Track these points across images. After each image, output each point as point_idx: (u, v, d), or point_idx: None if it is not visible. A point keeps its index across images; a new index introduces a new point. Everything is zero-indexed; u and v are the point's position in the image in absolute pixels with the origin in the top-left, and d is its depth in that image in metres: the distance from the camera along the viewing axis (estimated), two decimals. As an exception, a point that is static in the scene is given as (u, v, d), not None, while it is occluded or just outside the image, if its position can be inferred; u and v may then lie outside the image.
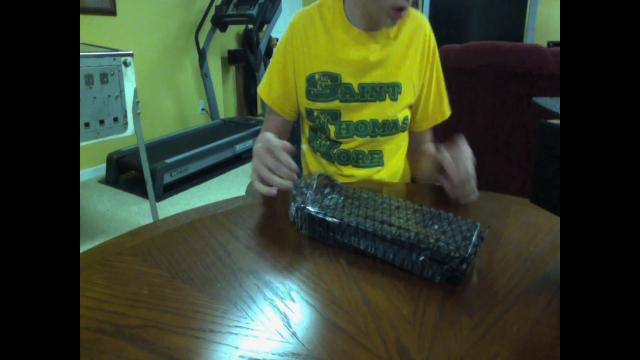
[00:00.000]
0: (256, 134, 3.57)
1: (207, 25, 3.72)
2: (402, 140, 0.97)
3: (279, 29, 4.88)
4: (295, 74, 0.92)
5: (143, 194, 2.66)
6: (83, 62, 1.73)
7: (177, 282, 0.49)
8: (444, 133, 1.01)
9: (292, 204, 0.61)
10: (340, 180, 0.94)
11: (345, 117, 0.91)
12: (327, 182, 0.66)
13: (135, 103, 1.92)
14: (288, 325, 0.42)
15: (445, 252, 0.49)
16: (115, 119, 1.87)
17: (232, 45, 4.40)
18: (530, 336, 0.41)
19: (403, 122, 0.93)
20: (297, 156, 0.84)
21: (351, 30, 0.88)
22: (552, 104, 0.63)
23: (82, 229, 2.31)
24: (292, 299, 0.46)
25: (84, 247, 2.07)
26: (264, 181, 0.67)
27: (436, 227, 0.55)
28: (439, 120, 0.98)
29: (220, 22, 3.64)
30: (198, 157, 3.00)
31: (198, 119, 4.03)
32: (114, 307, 0.45)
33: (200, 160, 3.03)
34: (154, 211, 2.13)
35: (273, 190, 0.66)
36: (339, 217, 0.57)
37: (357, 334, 0.41)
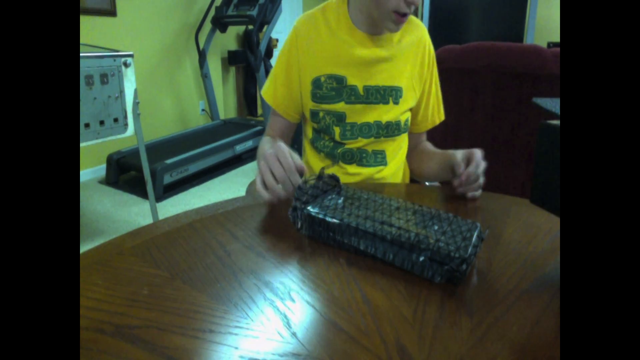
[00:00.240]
0: (256, 134, 3.59)
1: (207, 25, 3.72)
2: (402, 141, 1.00)
3: (279, 30, 4.89)
4: (301, 77, 0.93)
5: (143, 194, 2.66)
6: (83, 63, 1.73)
7: (177, 283, 0.49)
8: (444, 133, 1.02)
9: (292, 204, 0.61)
10: (344, 178, 0.95)
11: (350, 119, 0.92)
12: (328, 182, 0.66)
13: (135, 104, 1.92)
14: (288, 325, 0.42)
15: (445, 252, 0.49)
16: (116, 120, 1.87)
17: (232, 45, 4.41)
18: (530, 336, 0.41)
19: (405, 124, 0.97)
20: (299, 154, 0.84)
21: (356, 33, 0.90)
22: (552, 104, 0.63)
23: (82, 229, 2.31)
24: (292, 299, 0.46)
25: (84, 247, 2.07)
26: (265, 186, 0.67)
27: (436, 227, 0.55)
28: (437, 122, 1.03)
29: (220, 23, 3.65)
30: (198, 158, 3.00)
31: (198, 120, 4.04)
32: (114, 307, 0.45)
33: (201, 161, 3.03)
34: (154, 212, 2.13)
35: (273, 199, 0.66)
36: (339, 218, 0.57)
37: (357, 334, 0.41)
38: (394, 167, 0.98)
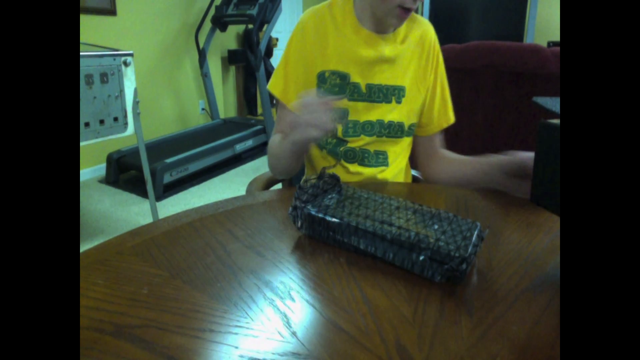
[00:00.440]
0: (256, 133, 3.59)
1: (207, 25, 3.72)
2: (406, 144, 1.00)
3: (279, 29, 4.88)
4: (307, 70, 0.92)
5: (143, 193, 2.67)
6: (83, 62, 1.73)
7: (177, 282, 0.49)
8: (444, 132, 1.02)
9: (293, 203, 0.61)
10: (346, 177, 0.95)
11: (352, 117, 0.93)
12: (329, 181, 0.66)
13: (135, 103, 1.92)
14: (288, 325, 0.42)
15: (445, 251, 0.49)
16: (115, 119, 1.87)
17: (232, 45, 4.40)
18: (530, 336, 0.41)
19: (409, 128, 0.96)
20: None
21: (361, 31, 0.90)
22: (552, 104, 0.63)
23: (82, 229, 2.31)
24: (292, 299, 0.46)
25: (84, 247, 2.07)
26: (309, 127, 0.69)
27: (436, 227, 0.55)
28: (444, 125, 1.00)
29: (220, 22, 3.64)
30: (198, 157, 3.00)
31: (198, 119, 4.04)
32: (114, 307, 0.45)
33: (200, 160, 3.03)
34: (154, 211, 2.13)
35: (325, 133, 0.68)
36: (339, 217, 0.57)
37: (357, 334, 0.41)
38: (395, 169, 0.98)
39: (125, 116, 1.90)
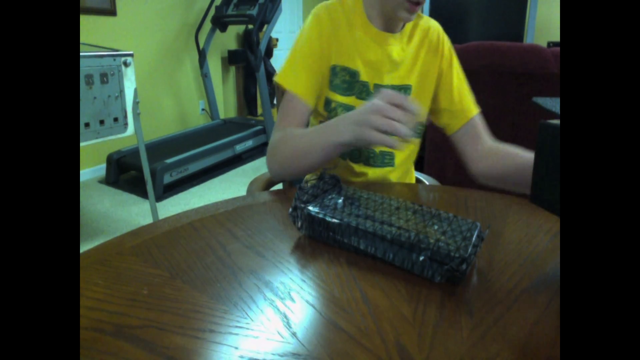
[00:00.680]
0: (256, 133, 3.59)
1: (207, 25, 3.72)
2: (412, 145, 1.00)
3: (279, 30, 4.88)
4: (322, 62, 0.91)
5: (143, 194, 2.67)
6: (83, 62, 1.73)
7: (177, 282, 0.49)
8: (444, 132, 1.01)
9: (293, 203, 0.61)
10: (351, 177, 0.95)
11: None
12: (329, 182, 0.66)
13: (135, 103, 1.92)
14: (288, 325, 0.42)
15: (445, 252, 0.49)
16: (115, 119, 1.87)
17: (232, 45, 4.40)
18: (530, 336, 0.41)
19: (416, 128, 0.94)
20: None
21: (370, 29, 0.91)
22: (552, 104, 0.63)
23: (82, 229, 2.31)
24: (292, 299, 0.46)
25: (84, 247, 2.07)
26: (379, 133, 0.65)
27: (436, 227, 0.55)
28: (469, 117, 0.95)
29: (220, 22, 3.65)
30: (198, 157, 3.01)
31: (198, 119, 4.04)
32: (114, 307, 0.45)
33: (201, 161, 3.03)
34: (154, 211, 2.14)
35: (396, 142, 0.65)
36: (339, 217, 0.57)
37: (357, 334, 0.41)
38: (400, 171, 0.98)
39: (125, 116, 1.90)
